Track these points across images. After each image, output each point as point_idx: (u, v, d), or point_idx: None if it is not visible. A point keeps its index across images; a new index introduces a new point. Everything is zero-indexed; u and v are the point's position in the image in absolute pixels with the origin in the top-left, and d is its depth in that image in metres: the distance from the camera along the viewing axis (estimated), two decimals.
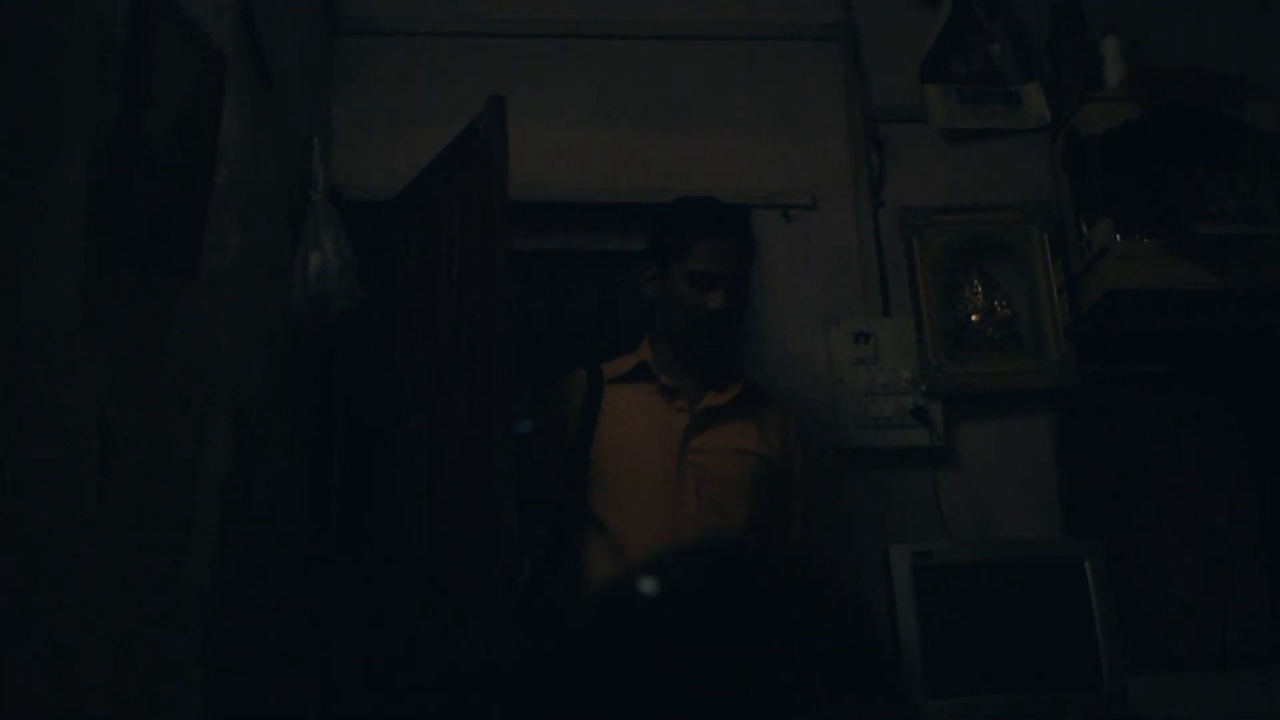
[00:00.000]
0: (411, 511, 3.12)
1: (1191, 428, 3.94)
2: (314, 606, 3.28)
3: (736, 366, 3.03)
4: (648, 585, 1.03)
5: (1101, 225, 3.67)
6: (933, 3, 4.10)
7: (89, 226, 1.82)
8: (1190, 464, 3.91)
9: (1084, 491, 3.75)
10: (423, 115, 3.83)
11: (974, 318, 3.79)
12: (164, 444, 2.15)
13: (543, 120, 3.15)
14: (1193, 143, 3.83)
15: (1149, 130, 3.73)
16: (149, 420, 2.06)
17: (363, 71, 3.88)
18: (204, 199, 2.24)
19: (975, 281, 3.83)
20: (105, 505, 1.87)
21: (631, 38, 3.99)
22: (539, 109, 3.20)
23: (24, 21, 1.64)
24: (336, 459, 3.45)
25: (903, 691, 1.18)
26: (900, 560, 3.15)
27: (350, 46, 3.90)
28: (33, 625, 1.65)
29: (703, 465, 2.79)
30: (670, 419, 2.85)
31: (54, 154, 1.73)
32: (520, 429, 3.36)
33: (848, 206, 3.86)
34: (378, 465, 3.33)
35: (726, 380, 2.95)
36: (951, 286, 3.81)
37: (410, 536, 3.11)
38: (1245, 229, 3.68)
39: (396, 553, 3.16)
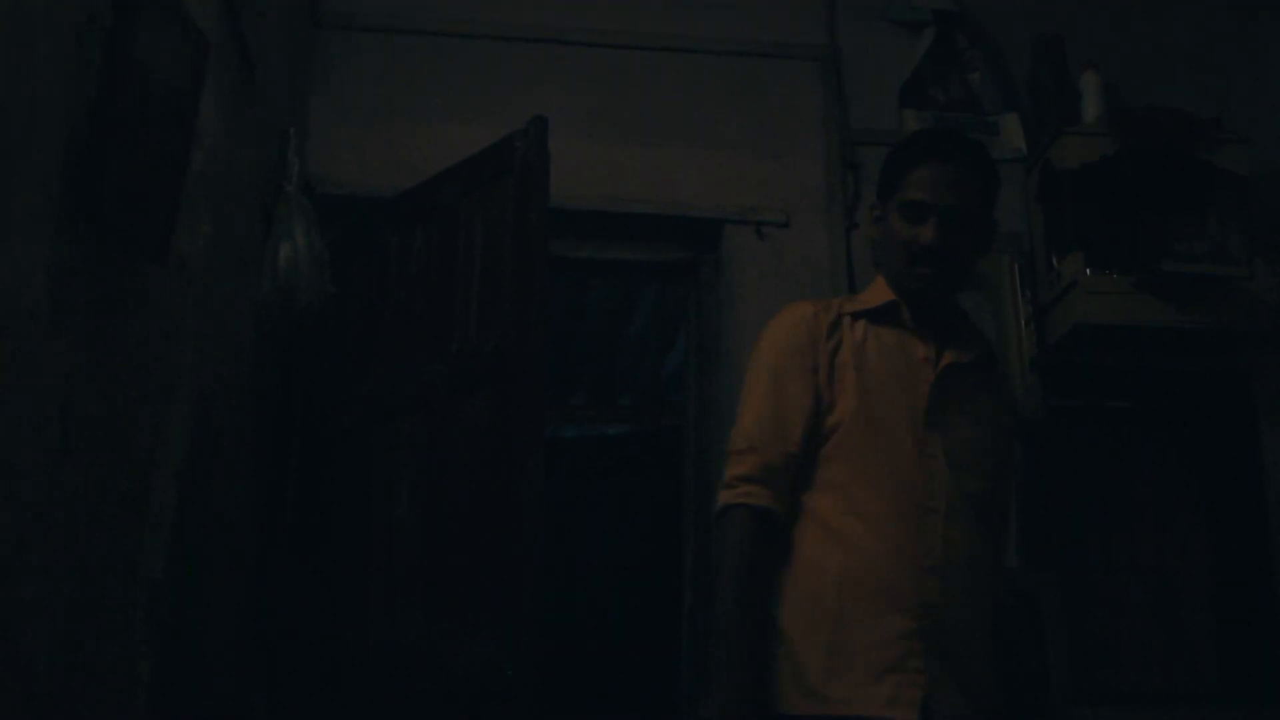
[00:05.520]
0: (399, 515, 3.11)
1: (1149, 466, 3.96)
2: (267, 602, 3.25)
3: (973, 323, 2.54)
4: None
5: (1072, 259, 3.69)
6: (915, 29, 4.12)
7: (61, 205, 1.80)
8: (1146, 503, 3.93)
9: (1041, 523, 3.77)
10: (401, 114, 3.81)
11: None
12: (124, 429, 2.13)
13: (520, 125, 3.14)
14: (1166, 183, 3.86)
15: (1123, 168, 3.76)
16: (110, 403, 2.04)
17: (342, 67, 3.86)
18: (178, 184, 2.22)
19: None
20: (62, 489, 1.84)
21: (614, 47, 3.99)
22: (519, 114, 3.18)
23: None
24: (294, 454, 3.42)
25: None
26: None
27: (330, 40, 3.88)
28: None
29: (949, 424, 2.35)
30: (916, 369, 2.39)
31: (30, 130, 1.71)
32: None
33: (820, 226, 3.87)
34: (344, 465, 3.31)
35: (968, 336, 2.48)
36: None
37: (393, 540, 3.10)
38: (1212, 270, 3.71)
39: (368, 554, 3.15)
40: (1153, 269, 3.64)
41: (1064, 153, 3.77)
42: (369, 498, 3.21)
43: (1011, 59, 4.16)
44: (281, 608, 3.27)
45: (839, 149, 3.95)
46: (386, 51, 3.89)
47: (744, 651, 2.21)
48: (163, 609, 2.35)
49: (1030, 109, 4.07)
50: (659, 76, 3.99)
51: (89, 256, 1.92)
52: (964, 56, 4.12)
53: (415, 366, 3.21)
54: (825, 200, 3.88)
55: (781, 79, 4.03)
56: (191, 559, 2.56)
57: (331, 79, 3.84)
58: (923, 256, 2.38)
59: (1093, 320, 3.65)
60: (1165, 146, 3.79)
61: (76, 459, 1.88)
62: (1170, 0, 4.26)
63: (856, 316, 2.44)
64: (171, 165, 2.18)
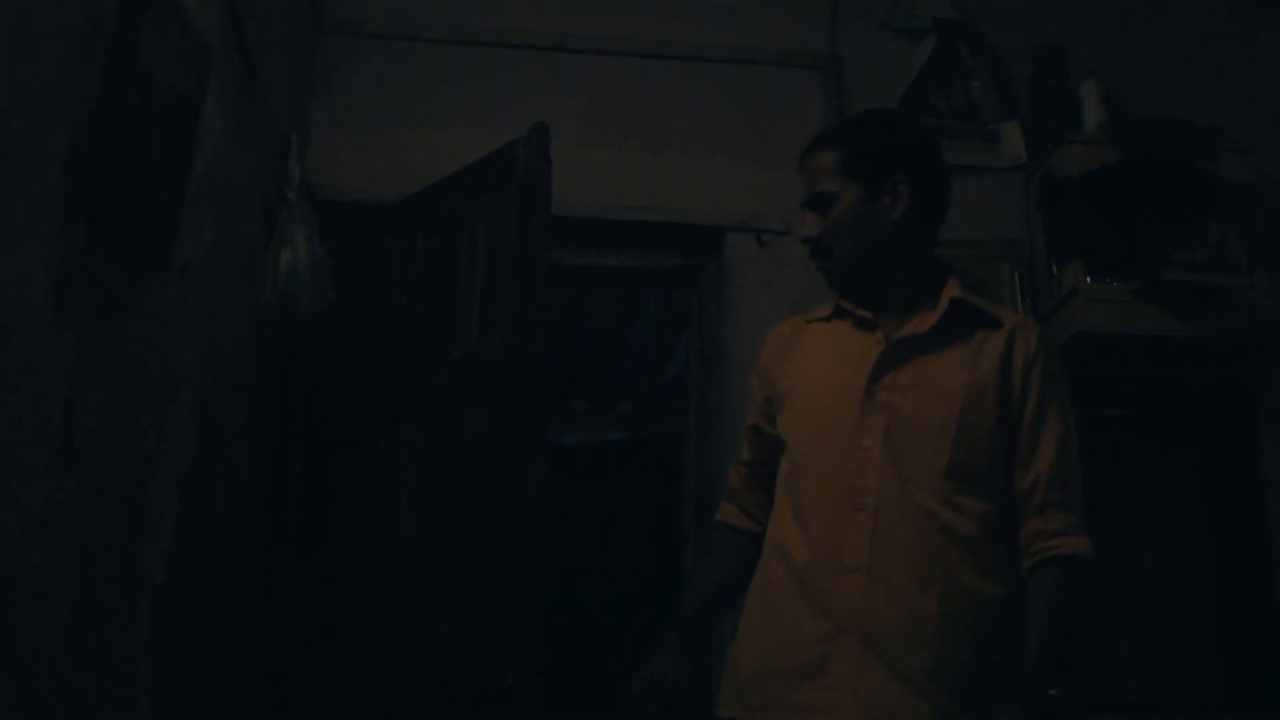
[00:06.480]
0: (401, 519, 3.12)
1: (1150, 475, 3.96)
2: (269, 605, 3.26)
3: (944, 287, 2.37)
4: None
5: (1072, 267, 3.70)
6: (916, 37, 4.13)
7: (65, 208, 1.81)
8: (1147, 511, 3.93)
9: None
10: (404, 120, 3.82)
11: None
12: (126, 433, 2.13)
13: (522, 132, 3.15)
14: (1167, 191, 3.86)
15: (1124, 176, 3.76)
16: (113, 408, 2.04)
17: (345, 72, 3.87)
18: (181, 188, 2.23)
19: None
20: (65, 492, 1.84)
21: (616, 54, 4.00)
22: (521, 120, 3.19)
23: (11, 3, 1.63)
24: (296, 460, 3.43)
25: None
26: None
27: (334, 46, 3.89)
28: None
29: (895, 405, 2.26)
30: (863, 354, 2.32)
31: (34, 135, 1.72)
32: None
33: None
34: (346, 469, 3.31)
35: (934, 305, 2.34)
36: None
37: (396, 544, 3.11)
38: (1214, 278, 3.71)
39: (370, 557, 3.16)
40: (1153, 277, 3.64)
41: (1065, 160, 3.77)
42: (371, 502, 3.22)
43: (1013, 67, 4.16)
44: (283, 610, 3.27)
45: None
46: (389, 58, 3.89)
47: (672, 640, 2.42)
48: (165, 612, 2.35)
49: (1031, 117, 4.08)
50: (661, 83, 3.99)
51: (92, 261, 1.92)
52: (965, 64, 4.13)
53: (417, 372, 3.22)
54: None
55: (783, 86, 4.04)
56: (193, 563, 2.56)
57: (334, 85, 3.85)
58: (810, 252, 2.43)
59: (1093, 328, 3.65)
60: (1166, 154, 3.80)
61: (79, 462, 1.88)
62: (1171, 8, 4.27)
63: (826, 320, 2.44)
64: (174, 170, 2.19)
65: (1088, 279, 3.67)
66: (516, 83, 3.89)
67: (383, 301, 3.40)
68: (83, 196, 1.85)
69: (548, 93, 3.87)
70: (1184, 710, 3.73)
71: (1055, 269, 3.81)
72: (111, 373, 2.03)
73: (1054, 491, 2.26)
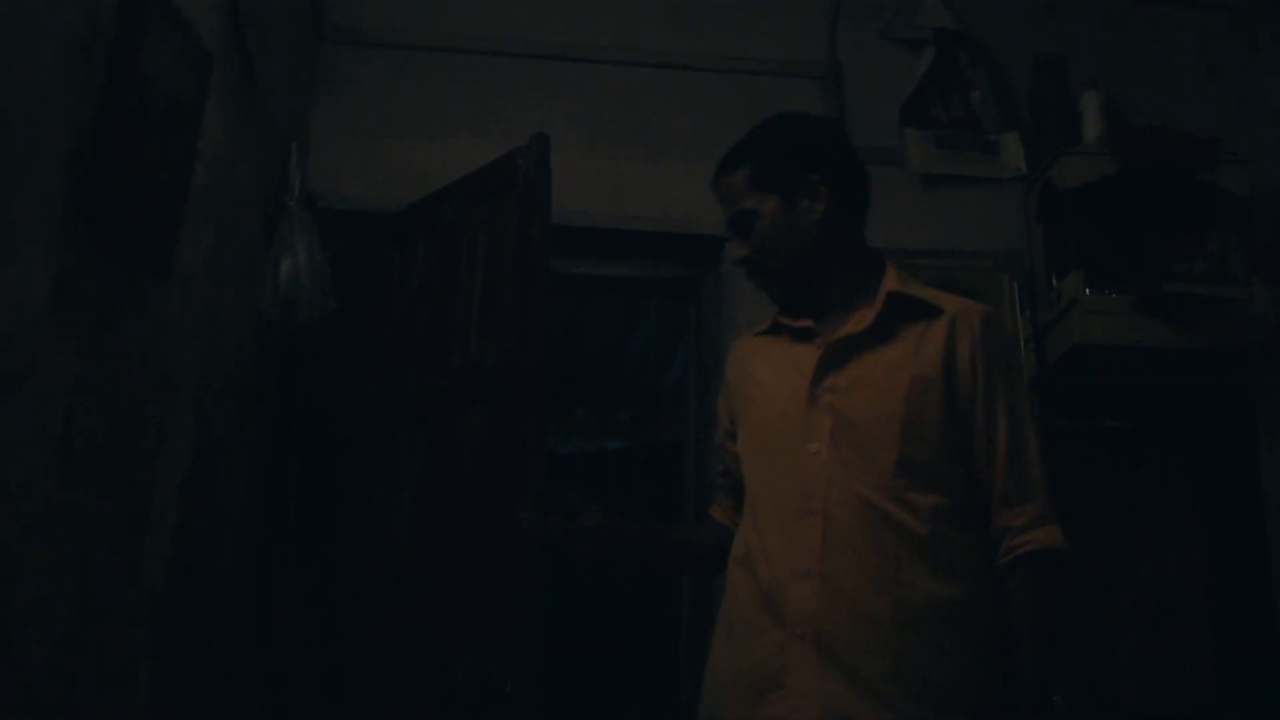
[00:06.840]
0: (400, 527, 3.13)
1: (1149, 486, 3.97)
2: (268, 607, 3.26)
3: (880, 283, 2.33)
4: None
5: (1071, 278, 3.71)
6: (916, 46, 4.14)
7: (65, 214, 1.81)
8: (1146, 521, 3.94)
9: None
10: (404, 129, 3.83)
11: None
12: (126, 437, 2.14)
13: (523, 141, 3.16)
14: (1166, 202, 3.87)
15: (1124, 187, 3.77)
16: (113, 414, 2.05)
17: (345, 81, 3.88)
18: (181, 195, 2.23)
19: None
20: (64, 498, 1.85)
21: (616, 63, 4.01)
22: (521, 129, 3.20)
23: (11, 6, 1.64)
24: (295, 466, 3.44)
25: None
26: None
27: (334, 55, 3.90)
28: None
29: (839, 406, 2.23)
30: (803, 360, 2.31)
31: (35, 140, 1.72)
32: None
33: None
34: (345, 477, 3.32)
35: (871, 304, 2.31)
36: None
37: (395, 548, 3.12)
38: (1213, 290, 3.72)
39: (369, 561, 3.17)
40: (1153, 289, 3.65)
41: (1065, 172, 3.78)
42: (370, 509, 3.23)
43: (1013, 77, 4.17)
44: (283, 613, 3.28)
45: None
46: (389, 66, 3.91)
47: (638, 527, 2.53)
48: (163, 619, 2.36)
49: (1031, 127, 4.09)
50: (661, 93, 4.01)
51: (92, 268, 1.93)
52: (965, 75, 4.14)
53: (417, 380, 3.23)
54: None
55: (783, 96, 4.03)
56: (193, 565, 2.57)
57: (334, 93, 3.86)
58: (746, 273, 2.41)
59: (1092, 340, 3.65)
60: (1166, 166, 3.81)
61: (78, 465, 1.89)
62: (1172, 20, 4.28)
63: (773, 333, 2.43)
64: (174, 177, 2.19)
65: (1087, 290, 3.68)
66: (517, 91, 3.90)
67: (383, 309, 3.41)
68: (83, 201, 1.85)
69: (548, 101, 3.88)
70: (1182, 716, 3.74)
71: (1055, 280, 3.81)
72: (111, 376, 2.04)
73: (1011, 480, 2.21)
